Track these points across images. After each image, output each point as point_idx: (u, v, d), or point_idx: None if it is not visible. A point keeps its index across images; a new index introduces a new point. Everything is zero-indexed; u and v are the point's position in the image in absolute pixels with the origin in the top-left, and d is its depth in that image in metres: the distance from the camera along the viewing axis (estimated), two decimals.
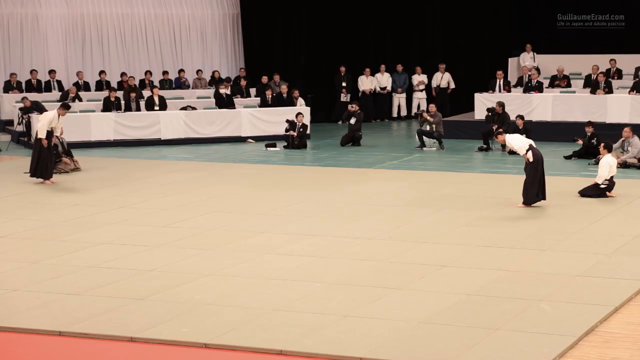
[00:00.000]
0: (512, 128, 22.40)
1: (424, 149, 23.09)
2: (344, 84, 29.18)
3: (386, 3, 30.12)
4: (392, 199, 16.47)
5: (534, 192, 15.63)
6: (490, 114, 23.22)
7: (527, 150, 15.62)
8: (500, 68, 26.55)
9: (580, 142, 20.91)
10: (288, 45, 29.84)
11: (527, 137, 21.88)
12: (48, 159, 18.52)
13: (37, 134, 18.71)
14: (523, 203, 15.67)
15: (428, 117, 23.13)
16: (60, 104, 19.63)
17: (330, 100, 29.36)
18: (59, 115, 18.66)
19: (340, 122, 27.85)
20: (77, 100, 25.50)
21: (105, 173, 19.66)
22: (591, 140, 20.81)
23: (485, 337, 9.22)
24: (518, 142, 15.87)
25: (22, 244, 13.37)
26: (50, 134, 18.59)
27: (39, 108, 23.97)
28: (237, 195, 17.05)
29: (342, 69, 29.17)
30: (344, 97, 28.88)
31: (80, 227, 14.44)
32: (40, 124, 18.59)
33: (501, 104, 23.05)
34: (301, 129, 23.73)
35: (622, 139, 20.11)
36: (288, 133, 23.67)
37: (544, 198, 15.75)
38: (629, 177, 18.40)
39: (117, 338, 9.39)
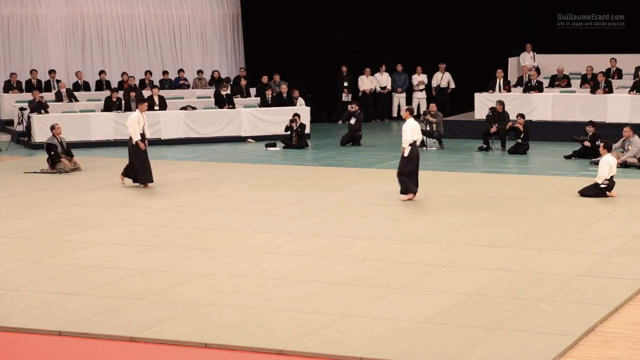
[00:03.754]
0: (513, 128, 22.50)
1: (424, 148, 23.09)
2: (345, 84, 29.16)
3: (386, 3, 30.13)
4: (392, 198, 16.46)
5: (407, 183, 16.23)
6: (491, 113, 23.22)
7: (409, 145, 16.14)
8: (500, 68, 26.55)
9: (588, 143, 20.89)
10: (288, 45, 29.84)
11: (525, 137, 22.12)
12: (146, 163, 17.83)
13: (130, 139, 17.93)
14: (407, 193, 16.25)
15: (432, 119, 23.13)
16: (139, 102, 18.64)
17: (331, 100, 29.36)
18: (142, 113, 17.96)
19: (339, 122, 27.87)
20: (72, 99, 25.53)
21: (105, 173, 19.65)
22: (595, 141, 20.78)
23: (485, 337, 9.22)
24: (409, 132, 16.25)
25: (22, 244, 13.37)
26: (143, 136, 17.90)
27: (42, 107, 24.06)
28: (237, 195, 17.05)
29: (344, 68, 29.16)
30: (345, 97, 28.85)
31: (80, 227, 14.44)
32: (131, 129, 17.81)
33: (501, 103, 23.10)
34: (299, 129, 23.75)
35: (623, 138, 20.11)
36: (287, 132, 23.75)
37: (414, 192, 16.41)
38: (629, 177, 18.40)
39: (117, 338, 9.39)
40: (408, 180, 16.27)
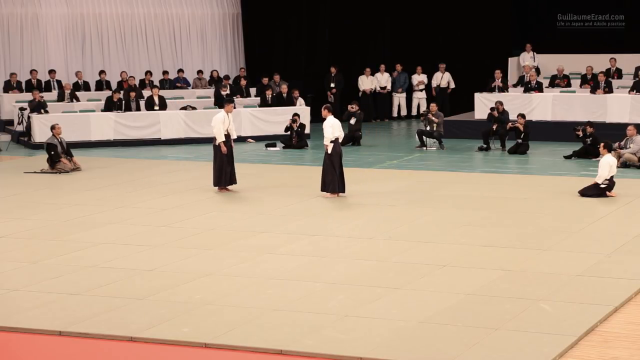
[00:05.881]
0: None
1: (424, 148, 23.08)
2: (332, 85, 28.97)
3: (386, 3, 30.12)
4: (392, 199, 16.46)
5: (333, 181, 16.48)
6: (492, 112, 23.19)
7: (331, 142, 16.42)
8: (500, 68, 26.55)
9: (580, 133, 21.03)
10: (288, 45, 29.83)
11: (525, 137, 22.14)
12: (228, 165, 17.35)
13: (214, 140, 17.38)
14: (328, 192, 16.58)
15: (433, 118, 23.12)
16: (225, 102, 18.05)
17: (323, 101, 29.29)
18: (227, 114, 17.30)
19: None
20: (74, 100, 25.53)
21: (105, 173, 19.66)
22: (586, 138, 20.90)
23: (485, 337, 9.22)
24: (330, 130, 16.51)
25: (22, 244, 13.37)
26: (228, 137, 17.35)
27: (42, 107, 24.08)
28: (237, 195, 17.05)
29: (332, 69, 29.01)
30: (330, 98, 28.53)
31: (80, 227, 14.44)
32: (216, 129, 17.19)
33: (501, 103, 23.19)
34: (299, 129, 23.76)
35: (626, 137, 20.13)
36: (287, 132, 23.77)
37: (343, 191, 16.62)
38: (629, 177, 18.40)
39: (117, 338, 9.39)
40: (335, 179, 16.51)
